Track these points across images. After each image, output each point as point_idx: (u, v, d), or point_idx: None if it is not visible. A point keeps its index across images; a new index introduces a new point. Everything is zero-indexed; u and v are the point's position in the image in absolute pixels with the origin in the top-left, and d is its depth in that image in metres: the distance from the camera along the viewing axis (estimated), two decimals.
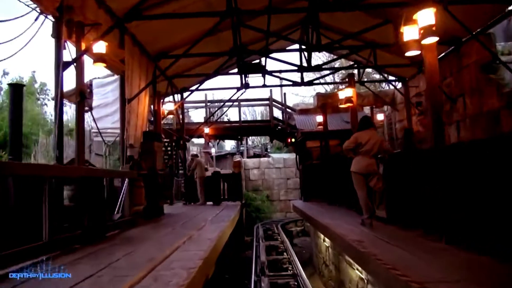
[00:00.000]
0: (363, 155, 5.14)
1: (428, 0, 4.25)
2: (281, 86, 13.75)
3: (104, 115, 8.80)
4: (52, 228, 3.98)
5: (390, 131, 12.48)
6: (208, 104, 14.75)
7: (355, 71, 10.84)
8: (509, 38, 9.05)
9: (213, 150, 22.12)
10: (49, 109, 18.99)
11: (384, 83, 19.32)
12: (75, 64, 4.69)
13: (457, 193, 3.69)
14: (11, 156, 5.02)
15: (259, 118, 27.25)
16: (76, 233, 4.47)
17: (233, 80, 43.48)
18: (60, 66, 4.44)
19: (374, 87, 15.36)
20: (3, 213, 3.77)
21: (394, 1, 6.67)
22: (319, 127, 10.73)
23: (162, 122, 14.58)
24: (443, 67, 9.40)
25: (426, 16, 4.17)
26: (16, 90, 5.67)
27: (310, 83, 12.09)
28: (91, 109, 9.30)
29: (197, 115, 27.96)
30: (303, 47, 10.19)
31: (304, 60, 10.32)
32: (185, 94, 11.73)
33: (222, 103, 13.54)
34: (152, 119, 9.55)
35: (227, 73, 11.48)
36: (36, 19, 4.36)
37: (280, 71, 11.08)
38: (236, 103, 14.18)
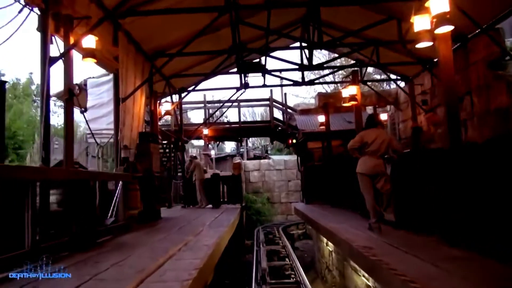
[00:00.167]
0: (370, 155, 4.84)
1: None
2: (281, 86, 13.48)
3: (99, 116, 8.50)
4: (36, 235, 3.68)
5: (393, 131, 12.18)
6: (207, 104, 14.44)
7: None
8: None
9: (212, 152, 21.83)
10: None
11: (385, 83, 19.11)
12: (63, 59, 4.40)
13: (480, 196, 3.38)
14: None
15: (259, 119, 26.94)
16: (63, 240, 4.17)
17: (233, 80, 43.28)
18: (47, 61, 4.14)
19: (375, 87, 15.09)
20: None
21: None
22: (321, 127, 10.43)
23: (160, 123, 14.30)
24: None
25: (440, 3, 3.86)
26: None
27: (311, 82, 11.82)
28: (85, 110, 9.06)
29: (196, 116, 27.69)
30: (304, 44, 9.90)
31: (305, 58, 10.05)
32: (183, 95, 11.45)
33: (221, 104, 13.23)
34: (149, 120, 9.27)
35: (226, 73, 11.20)
36: (20, 12, 4.07)
37: (281, 71, 10.81)
38: (235, 104, 13.89)
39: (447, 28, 4.01)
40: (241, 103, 14.43)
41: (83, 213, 4.49)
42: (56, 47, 4.52)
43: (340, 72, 22.46)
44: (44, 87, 4.15)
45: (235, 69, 10.83)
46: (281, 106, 14.86)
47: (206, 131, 12.94)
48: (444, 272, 2.82)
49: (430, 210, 4.42)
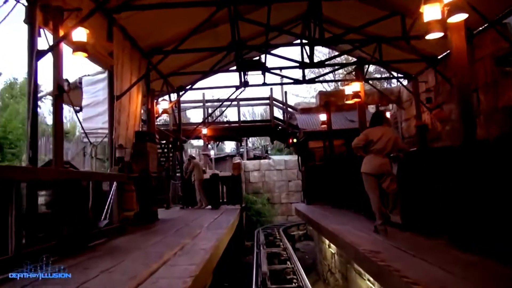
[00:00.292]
0: (375, 154, 4.60)
1: None
2: (281, 84, 13.25)
3: (94, 114, 8.27)
4: (21, 239, 3.46)
5: (396, 130, 11.94)
6: (206, 103, 14.20)
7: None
8: None
9: (212, 152, 21.60)
10: (43, 111, 18.47)
11: (387, 81, 18.86)
12: (52, 52, 4.17)
13: (493, 197, 3.15)
14: None
15: (258, 119, 26.71)
16: (51, 244, 3.94)
17: (232, 79, 42.95)
18: (34, 55, 3.91)
19: (376, 86, 14.84)
20: None
21: None
22: (323, 126, 10.19)
23: (158, 123, 14.07)
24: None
25: None
26: None
27: (312, 80, 11.59)
28: (80, 108, 8.84)
29: (195, 116, 27.43)
30: (305, 41, 9.65)
31: (306, 56, 9.81)
32: (181, 93, 11.21)
33: (220, 103, 13.00)
34: (146, 119, 9.04)
35: (226, 71, 10.98)
36: (5, 2, 3.84)
37: (281, 68, 10.58)
38: (235, 103, 13.65)
39: (461, 17, 3.78)
40: (241, 102, 14.19)
41: (74, 215, 4.27)
42: (45, 41, 4.29)
43: (340, 71, 22.34)
44: (31, 83, 3.92)
45: (235, 67, 10.62)
46: (281, 105, 14.62)
47: (205, 131, 12.70)
48: (459, 279, 2.59)
49: (438, 211, 4.19)
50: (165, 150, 13.05)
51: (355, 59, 11.71)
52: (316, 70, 21.36)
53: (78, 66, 27.66)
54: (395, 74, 11.53)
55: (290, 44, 10.14)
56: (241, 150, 23.31)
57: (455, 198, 3.81)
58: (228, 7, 7.36)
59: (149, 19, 7.34)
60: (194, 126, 13.37)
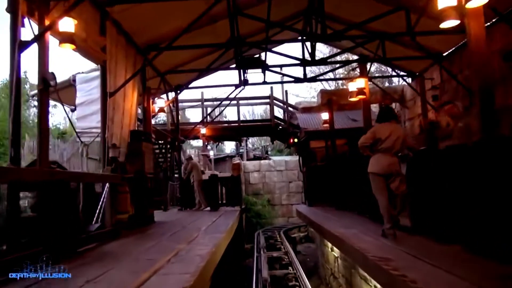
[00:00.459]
0: (383, 153, 4.32)
1: None
2: (282, 83, 12.93)
3: (89, 113, 7.99)
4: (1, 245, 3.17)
5: None
6: (205, 102, 13.90)
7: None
8: None
9: (211, 153, 21.32)
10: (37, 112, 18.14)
11: (388, 80, 18.58)
12: (37, 43, 3.88)
13: None
14: None
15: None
16: (36, 250, 3.64)
17: (231, 78, 42.70)
18: (16, 46, 3.62)
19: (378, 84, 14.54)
20: None
21: None
22: (325, 125, 9.89)
23: (156, 122, 13.76)
24: (459, 59, 8.63)
25: None
26: None
27: (314, 79, 11.29)
28: (74, 107, 8.55)
29: (195, 116, 27.12)
30: (306, 39, 9.36)
31: (307, 54, 9.52)
32: (179, 92, 10.92)
33: (219, 102, 12.70)
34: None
35: (225, 68, 10.70)
36: None
37: (281, 66, 10.30)
38: (234, 102, 13.36)
39: (481, 2, 3.48)
40: (241, 101, 13.90)
41: (61, 219, 3.98)
42: (30, 32, 4.00)
43: (340, 71, 22.08)
44: (13, 76, 3.63)
45: (234, 65, 10.34)
46: (282, 104, 14.32)
47: (203, 131, 12.40)
48: None
49: (451, 214, 3.90)
50: (163, 150, 12.76)
51: (357, 57, 11.48)
52: (316, 70, 21.20)
53: (71, 63, 27.30)
54: (398, 72, 11.26)
55: (291, 40, 9.83)
56: (241, 150, 23.02)
57: (471, 200, 3.52)
58: (227, 0, 7.09)
59: (145, 14, 7.07)
60: (193, 125, 13.07)
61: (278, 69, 11.02)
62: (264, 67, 9.86)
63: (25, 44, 3.73)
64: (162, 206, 10.50)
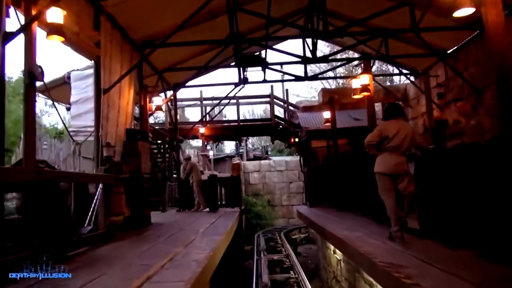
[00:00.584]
0: (391, 151, 4.09)
1: None
2: (282, 81, 12.71)
3: (84, 111, 7.76)
4: None
5: None
6: (204, 101, 13.66)
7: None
8: None
9: (211, 153, 21.08)
10: (37, 111, 17.91)
11: (390, 78, 18.35)
12: (24, 34, 3.65)
13: None
14: None
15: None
16: (22, 255, 3.41)
17: (231, 76, 42.46)
18: (1, 37, 3.39)
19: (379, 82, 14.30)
20: None
21: None
22: (326, 124, 9.66)
23: (154, 122, 13.52)
24: (465, 56, 8.41)
25: None
26: None
27: (315, 77, 11.07)
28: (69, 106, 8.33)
29: (194, 115, 26.89)
30: (307, 36, 9.11)
31: (308, 51, 9.29)
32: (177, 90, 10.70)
33: (219, 101, 12.46)
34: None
35: (224, 66, 10.45)
36: None
37: (282, 64, 10.07)
38: (234, 101, 13.12)
39: None
40: (240, 100, 13.66)
41: (49, 221, 3.75)
42: (16, 24, 3.78)
43: (341, 71, 21.83)
44: None
45: (233, 63, 10.11)
46: (282, 103, 14.07)
47: (202, 130, 12.17)
48: None
49: (463, 217, 3.67)
50: (161, 150, 12.53)
51: (358, 55, 11.25)
52: (317, 70, 20.96)
53: (66, 60, 27.05)
54: (401, 70, 11.03)
55: (292, 37, 9.59)
56: (240, 150, 22.77)
57: (484, 201, 3.30)
58: None
59: (141, 8, 6.84)
60: (191, 125, 12.84)
61: (278, 67, 10.81)
62: (264, 64, 9.64)
63: (11, 36, 3.50)
64: (160, 207, 10.28)
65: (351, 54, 14.79)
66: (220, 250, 4.68)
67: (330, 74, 16.47)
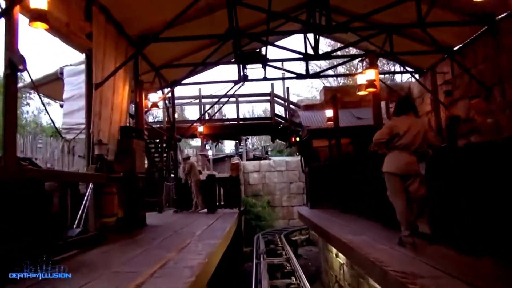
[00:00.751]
0: (401, 150, 3.79)
1: None
2: (283, 79, 12.40)
3: (77, 108, 7.46)
4: None
5: None
6: (203, 99, 13.34)
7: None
8: None
9: (210, 153, 20.78)
10: (31, 109, 17.64)
11: (391, 76, 18.05)
12: (5, 21, 3.36)
13: None
14: None
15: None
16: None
17: (230, 74, 42.18)
18: None
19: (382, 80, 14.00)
20: None
21: None
22: (329, 122, 9.35)
23: (154, 121, 13.21)
24: (473, 53, 8.12)
25: None
26: None
27: (317, 75, 10.77)
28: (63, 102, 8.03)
29: (193, 114, 26.57)
30: (309, 30, 8.79)
31: (310, 48, 8.99)
32: (175, 88, 10.42)
33: (218, 98, 12.16)
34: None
35: (224, 63, 10.17)
36: None
37: (283, 60, 9.78)
38: (233, 99, 12.82)
39: None
40: (240, 98, 13.35)
41: (31, 223, 3.45)
42: None
43: (342, 70, 21.55)
44: None
45: (233, 60, 9.82)
46: (283, 102, 13.76)
47: (201, 129, 11.87)
48: None
49: (479, 222, 3.37)
50: (159, 149, 12.23)
51: (361, 53, 10.95)
52: (318, 69, 20.67)
53: (59, 55, 26.76)
54: (406, 69, 10.75)
55: (293, 32, 9.29)
56: (240, 150, 22.47)
57: (503, 204, 3.01)
58: None
59: (137, 1, 6.57)
60: (190, 123, 12.54)
61: (279, 65, 10.51)
62: (265, 61, 9.35)
63: None
64: (157, 207, 9.97)
65: (353, 52, 14.50)
66: (217, 255, 4.38)
67: (332, 73, 16.14)
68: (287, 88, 13.74)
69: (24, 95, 17.78)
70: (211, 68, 11.63)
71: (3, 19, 3.39)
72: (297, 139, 12.13)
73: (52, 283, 2.91)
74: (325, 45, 20.45)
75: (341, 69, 20.88)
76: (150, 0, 6.79)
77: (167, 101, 11.38)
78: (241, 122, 13.75)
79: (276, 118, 13.47)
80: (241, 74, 9.98)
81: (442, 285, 2.49)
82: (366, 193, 6.40)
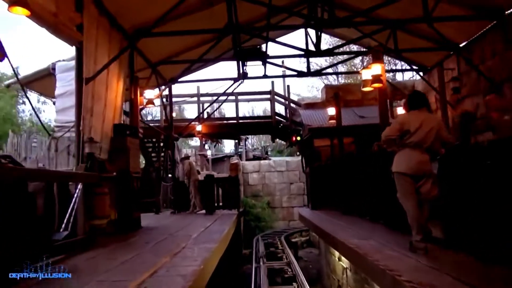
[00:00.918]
0: (413, 148, 3.50)
1: None
2: (284, 76, 12.12)
3: (69, 105, 7.15)
4: None
5: None
6: (201, 98, 13.04)
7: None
8: None
9: (209, 153, 20.51)
10: (28, 107, 17.35)
11: (392, 76, 17.79)
12: None
13: None
14: None
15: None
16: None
17: (230, 72, 41.86)
18: None
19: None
20: None
21: None
22: (331, 121, 9.06)
23: (149, 119, 12.89)
24: (481, 49, 7.84)
25: None
26: None
27: (318, 72, 10.49)
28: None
29: (192, 113, 26.26)
30: (311, 23, 8.48)
31: (311, 44, 8.70)
32: (173, 86, 10.13)
33: (217, 97, 11.87)
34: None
35: (223, 59, 9.87)
36: None
37: (283, 57, 9.50)
38: (233, 97, 12.53)
39: None
40: (239, 97, 13.06)
41: (11, 227, 3.17)
42: None
43: (342, 70, 21.27)
44: None
45: (233, 57, 9.54)
46: (283, 100, 13.46)
47: (199, 128, 11.57)
48: None
49: (497, 227, 3.09)
50: (156, 148, 11.95)
51: (364, 50, 10.68)
52: (318, 68, 20.37)
53: (52, 51, 26.47)
54: (411, 66, 10.47)
55: (295, 26, 9.00)
56: (240, 150, 22.18)
57: None
58: None
59: None
60: (188, 122, 12.25)
61: (280, 62, 10.26)
62: (265, 58, 9.07)
63: None
64: (153, 208, 9.69)
65: (356, 49, 14.23)
66: (213, 261, 4.09)
67: (333, 70, 15.87)
68: (288, 86, 13.45)
69: (20, 94, 17.50)
70: (210, 65, 11.37)
71: None
72: (298, 138, 11.84)
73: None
74: (326, 44, 20.20)
75: (341, 69, 20.62)
76: None
77: (164, 99, 11.11)
78: (240, 121, 13.45)
79: (276, 117, 13.18)
80: (241, 71, 9.71)
81: None
82: (370, 194, 6.12)
